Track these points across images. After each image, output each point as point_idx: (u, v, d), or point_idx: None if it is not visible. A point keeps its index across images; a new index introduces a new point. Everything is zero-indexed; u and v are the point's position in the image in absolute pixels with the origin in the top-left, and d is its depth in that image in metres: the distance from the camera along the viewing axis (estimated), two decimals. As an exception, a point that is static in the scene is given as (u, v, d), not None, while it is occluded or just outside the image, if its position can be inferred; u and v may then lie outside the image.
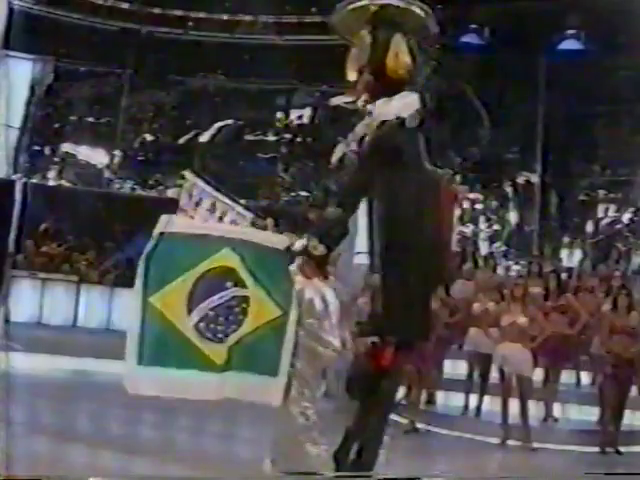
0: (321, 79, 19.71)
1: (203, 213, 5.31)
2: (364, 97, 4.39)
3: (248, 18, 21.26)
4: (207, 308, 4.12)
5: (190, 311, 4.10)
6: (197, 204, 5.35)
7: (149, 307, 4.10)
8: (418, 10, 4.34)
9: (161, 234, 4.20)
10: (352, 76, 4.47)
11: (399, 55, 4.28)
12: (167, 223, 4.22)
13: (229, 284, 4.16)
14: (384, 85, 4.33)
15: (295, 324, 4.19)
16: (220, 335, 4.13)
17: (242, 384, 4.19)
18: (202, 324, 4.12)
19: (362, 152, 4.28)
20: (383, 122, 4.21)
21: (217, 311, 4.14)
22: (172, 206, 6.07)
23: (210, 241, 4.23)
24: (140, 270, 4.15)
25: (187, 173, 5.54)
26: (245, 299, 4.16)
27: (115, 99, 21.61)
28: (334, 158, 4.58)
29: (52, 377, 10.26)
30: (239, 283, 4.17)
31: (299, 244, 4.21)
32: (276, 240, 4.33)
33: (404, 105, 4.22)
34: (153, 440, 7.59)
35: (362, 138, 4.39)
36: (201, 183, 5.47)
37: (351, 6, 4.43)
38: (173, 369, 4.10)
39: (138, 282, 4.15)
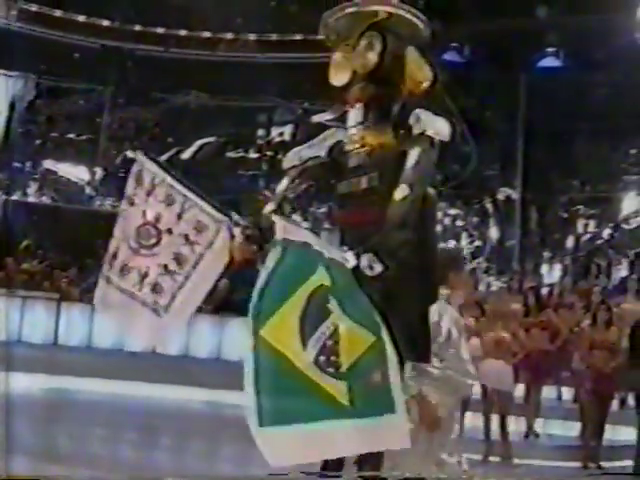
0: (302, 96, 19.81)
1: (156, 205, 4.08)
2: (357, 105, 4.21)
3: (230, 36, 21.37)
4: (324, 337, 3.14)
5: (305, 344, 3.10)
6: (149, 194, 4.10)
7: (261, 343, 3.06)
8: (421, 25, 4.26)
9: (284, 242, 3.15)
10: (340, 80, 4.14)
11: (423, 68, 4.15)
12: (285, 227, 3.16)
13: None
14: (385, 95, 4.19)
15: (391, 345, 3.26)
16: (341, 369, 3.15)
17: (369, 432, 3.17)
18: (322, 357, 3.12)
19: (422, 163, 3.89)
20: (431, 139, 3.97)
21: (336, 338, 3.15)
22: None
23: (311, 253, 3.19)
24: (254, 295, 3.10)
25: (133, 153, 4.16)
26: (335, 328, 3.18)
27: (96, 116, 21.61)
28: (287, 164, 4.40)
29: (32, 395, 10.16)
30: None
31: (351, 262, 3.42)
32: (341, 255, 3.36)
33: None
34: (133, 459, 7.53)
35: (332, 147, 4.27)
36: (153, 167, 4.10)
37: (352, 9, 4.27)
38: (303, 424, 3.07)
39: (250, 311, 3.09)
